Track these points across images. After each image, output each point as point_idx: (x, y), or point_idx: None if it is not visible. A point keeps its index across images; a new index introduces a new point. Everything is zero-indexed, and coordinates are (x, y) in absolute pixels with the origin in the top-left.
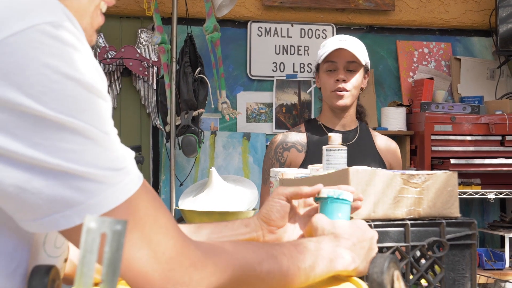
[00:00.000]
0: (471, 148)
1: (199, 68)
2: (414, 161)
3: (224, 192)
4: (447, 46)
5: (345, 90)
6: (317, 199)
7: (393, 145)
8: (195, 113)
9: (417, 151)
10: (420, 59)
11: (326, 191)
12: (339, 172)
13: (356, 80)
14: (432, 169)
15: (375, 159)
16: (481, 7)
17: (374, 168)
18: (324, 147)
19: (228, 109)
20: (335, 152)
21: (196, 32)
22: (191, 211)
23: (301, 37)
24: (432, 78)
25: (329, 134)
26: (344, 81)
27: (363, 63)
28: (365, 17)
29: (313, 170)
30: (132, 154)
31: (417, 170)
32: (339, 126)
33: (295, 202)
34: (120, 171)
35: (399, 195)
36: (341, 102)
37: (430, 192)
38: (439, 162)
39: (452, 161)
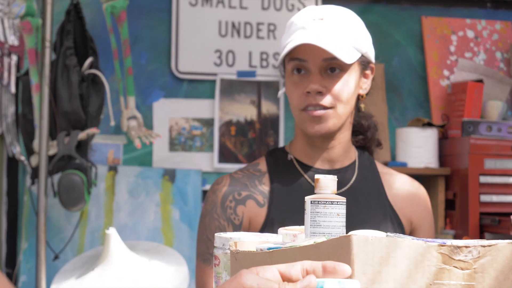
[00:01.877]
0: None
1: (91, 59)
2: (452, 219)
3: (131, 270)
4: (505, 27)
5: (322, 107)
6: None
7: (419, 191)
8: (82, 135)
9: (457, 202)
10: (461, 48)
11: (323, 283)
12: (334, 241)
13: (344, 86)
14: (481, 232)
15: (386, 217)
16: None
17: (392, 235)
18: (308, 199)
19: (139, 128)
20: (327, 207)
21: None
22: None
23: (263, 8)
24: (481, 81)
25: (317, 176)
26: (320, 93)
27: (355, 58)
28: None
29: (287, 236)
30: None
31: (460, 237)
32: (323, 162)
33: None
34: None
35: (435, 282)
36: (317, 128)
37: (488, 276)
38: (494, 222)
39: None
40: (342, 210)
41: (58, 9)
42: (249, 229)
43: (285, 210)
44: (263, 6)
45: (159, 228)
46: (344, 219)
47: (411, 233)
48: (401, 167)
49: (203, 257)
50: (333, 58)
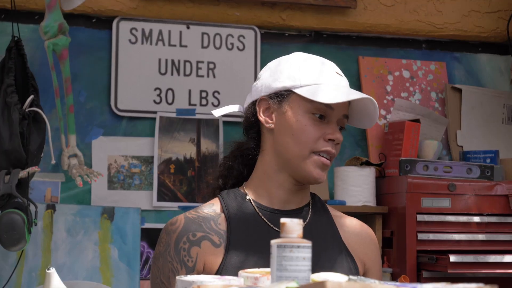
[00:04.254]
0: (481, 237)
1: (32, 97)
2: (389, 257)
3: None
4: (440, 67)
5: (331, 158)
6: None
7: (369, 233)
8: (22, 173)
9: (394, 241)
10: (398, 88)
11: None
12: (308, 287)
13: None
14: (419, 270)
15: (342, 257)
16: (493, 7)
17: (355, 278)
18: (274, 243)
19: (80, 167)
20: (293, 251)
21: (28, 35)
22: None
23: (202, 46)
24: (417, 121)
25: (283, 220)
26: (337, 144)
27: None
28: (309, 17)
29: (248, 279)
30: None
31: (397, 275)
32: (281, 203)
33: None
34: None
35: None
36: (321, 176)
37: None
38: (431, 260)
39: (452, 258)
40: (308, 254)
41: None
42: (203, 271)
43: (242, 251)
44: (202, 44)
45: (98, 267)
46: (310, 263)
47: (363, 275)
48: (340, 206)
49: None
50: (347, 117)
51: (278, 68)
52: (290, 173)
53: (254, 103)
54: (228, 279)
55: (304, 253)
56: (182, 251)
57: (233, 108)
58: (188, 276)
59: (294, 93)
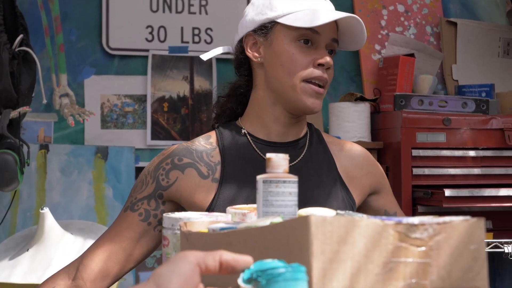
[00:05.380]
0: (477, 171)
1: (21, 36)
2: None
3: (65, 250)
4: (434, 1)
5: (324, 84)
6: (247, 283)
7: (365, 154)
8: (14, 113)
9: (389, 176)
10: (392, 22)
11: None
12: (292, 222)
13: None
14: (414, 205)
15: (336, 192)
16: None
17: (343, 213)
18: (260, 179)
19: (72, 106)
20: (279, 186)
21: None
22: (7, 284)
23: None
24: (412, 55)
25: (268, 155)
26: (328, 69)
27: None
28: None
29: (236, 215)
30: None
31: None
32: (278, 136)
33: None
34: None
35: (392, 260)
36: (315, 104)
37: (443, 253)
38: (426, 195)
39: (447, 192)
40: (294, 189)
41: None
42: (180, 199)
43: (238, 185)
44: None
45: (92, 206)
46: (296, 198)
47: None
48: None
49: (128, 207)
50: (336, 40)
51: (260, 1)
52: (284, 105)
53: (241, 41)
54: (216, 215)
55: (290, 188)
56: (161, 170)
57: (221, 50)
58: (176, 213)
59: (278, 23)
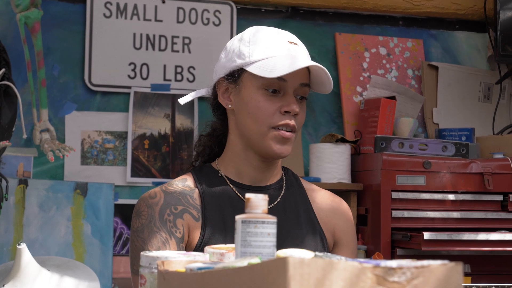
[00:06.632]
0: (456, 214)
1: (3, 70)
2: (364, 234)
3: (42, 286)
4: (416, 45)
5: (293, 130)
6: None
7: (340, 205)
8: None
9: (369, 218)
10: (374, 64)
11: None
12: (270, 263)
13: (305, 114)
14: (393, 247)
15: (315, 233)
16: None
17: (321, 254)
18: (238, 219)
19: (52, 142)
20: (258, 227)
21: None
22: None
23: (178, 21)
24: (393, 98)
25: (247, 195)
26: (296, 115)
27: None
28: None
29: (214, 255)
30: None
31: (372, 252)
32: (254, 180)
33: None
34: None
35: None
36: (283, 150)
37: None
38: (405, 238)
39: (426, 235)
40: (273, 229)
41: None
42: (188, 245)
43: (216, 226)
44: (178, 19)
45: (70, 243)
46: (275, 239)
47: (334, 246)
48: (315, 182)
49: (136, 270)
50: (307, 85)
51: (231, 47)
52: (254, 150)
53: (215, 86)
54: (194, 254)
55: (269, 228)
56: (168, 222)
57: (199, 93)
58: (154, 251)
59: (246, 71)
